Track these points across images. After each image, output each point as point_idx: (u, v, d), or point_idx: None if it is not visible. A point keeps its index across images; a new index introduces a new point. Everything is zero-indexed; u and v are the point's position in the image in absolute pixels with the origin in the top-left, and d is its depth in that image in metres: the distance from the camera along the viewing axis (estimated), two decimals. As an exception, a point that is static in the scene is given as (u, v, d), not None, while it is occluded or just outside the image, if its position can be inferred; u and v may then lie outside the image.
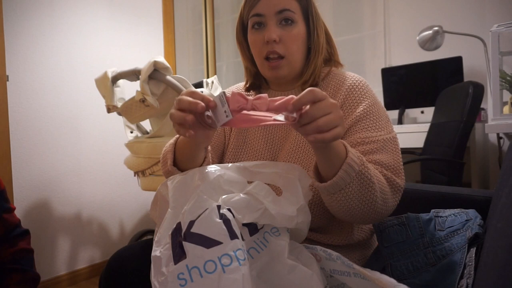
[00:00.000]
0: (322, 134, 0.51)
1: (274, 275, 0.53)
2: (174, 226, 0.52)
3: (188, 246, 0.48)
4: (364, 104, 0.75)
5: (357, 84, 0.78)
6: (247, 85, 0.90)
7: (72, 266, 2.06)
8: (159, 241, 0.53)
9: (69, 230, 2.05)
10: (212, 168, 0.61)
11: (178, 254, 0.49)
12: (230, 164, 0.63)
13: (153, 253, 0.52)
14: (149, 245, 0.56)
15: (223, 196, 0.55)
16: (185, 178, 0.60)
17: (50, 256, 1.96)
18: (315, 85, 0.81)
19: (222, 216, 0.51)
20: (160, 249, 0.52)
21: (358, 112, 0.74)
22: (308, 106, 0.52)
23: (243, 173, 0.62)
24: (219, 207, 0.52)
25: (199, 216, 0.51)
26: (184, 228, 0.51)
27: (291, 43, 0.77)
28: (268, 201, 0.57)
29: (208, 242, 0.48)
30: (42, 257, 1.93)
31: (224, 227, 0.50)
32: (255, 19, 0.78)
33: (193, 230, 0.50)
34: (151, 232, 2.20)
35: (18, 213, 1.82)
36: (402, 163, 0.72)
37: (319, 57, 0.80)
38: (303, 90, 0.81)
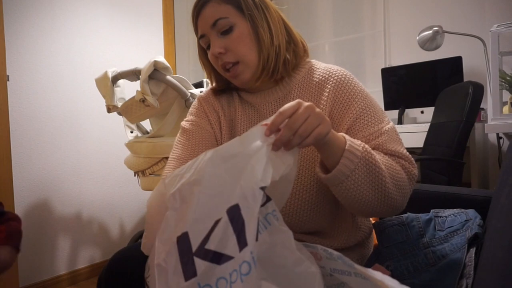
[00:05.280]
0: (305, 140, 0.56)
1: (278, 262, 0.51)
2: (180, 234, 0.50)
3: (200, 263, 0.47)
4: (357, 100, 0.75)
5: (343, 79, 0.78)
6: (218, 90, 0.88)
7: (72, 265, 2.06)
8: (161, 245, 0.51)
9: (69, 230, 2.05)
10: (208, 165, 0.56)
11: (190, 270, 0.48)
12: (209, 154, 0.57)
13: (156, 260, 0.50)
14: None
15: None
16: (181, 177, 0.57)
17: (50, 256, 1.96)
18: (288, 76, 0.81)
19: (234, 221, 0.49)
20: (164, 257, 0.50)
21: (354, 110, 0.74)
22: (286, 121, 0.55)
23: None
24: (228, 210, 0.50)
25: (212, 230, 0.49)
26: (195, 242, 0.49)
27: (237, 47, 0.75)
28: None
29: (220, 258, 0.47)
30: (42, 257, 1.93)
31: (236, 240, 0.48)
32: (202, 40, 0.79)
33: (207, 246, 0.48)
34: (151, 232, 2.19)
35: (18, 213, 1.82)
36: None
37: (270, 47, 0.76)
38: (278, 86, 0.82)
